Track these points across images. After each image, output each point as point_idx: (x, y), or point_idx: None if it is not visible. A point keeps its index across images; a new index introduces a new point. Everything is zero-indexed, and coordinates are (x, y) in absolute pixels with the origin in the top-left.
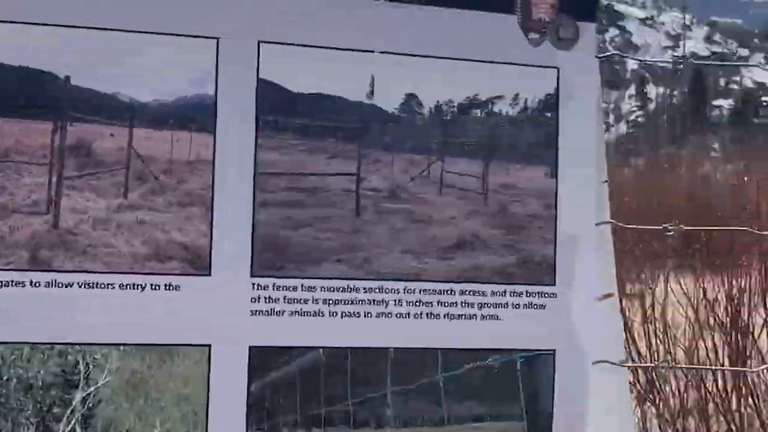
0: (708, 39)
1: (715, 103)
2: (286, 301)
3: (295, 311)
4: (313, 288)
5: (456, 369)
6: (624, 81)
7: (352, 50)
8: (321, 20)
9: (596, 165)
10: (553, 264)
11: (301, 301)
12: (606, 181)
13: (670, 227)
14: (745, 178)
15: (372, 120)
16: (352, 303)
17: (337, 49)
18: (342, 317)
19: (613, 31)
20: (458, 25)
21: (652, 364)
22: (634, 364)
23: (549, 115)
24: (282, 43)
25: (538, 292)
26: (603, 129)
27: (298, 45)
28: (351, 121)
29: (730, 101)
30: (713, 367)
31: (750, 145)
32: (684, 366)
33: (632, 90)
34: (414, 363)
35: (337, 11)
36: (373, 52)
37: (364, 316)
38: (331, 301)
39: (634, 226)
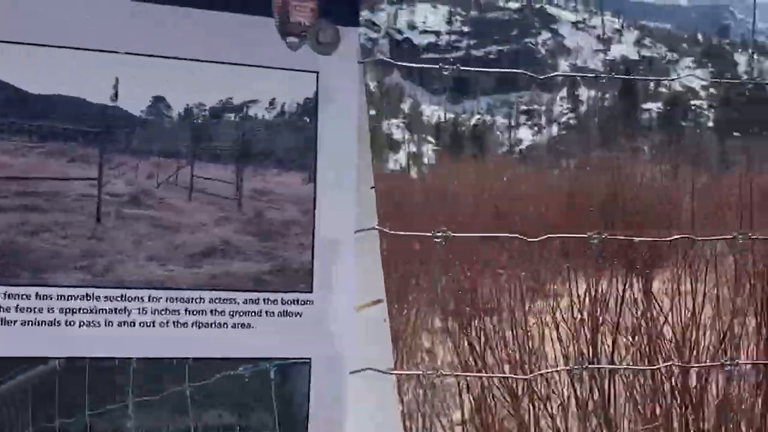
0: (638, 43)
1: (645, 106)
2: (18, 310)
3: (28, 321)
4: (49, 296)
5: (205, 379)
6: (556, 84)
7: (95, 50)
8: (60, 19)
9: (361, 170)
10: (310, 270)
11: (35, 311)
12: (373, 187)
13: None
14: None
15: (115, 123)
16: (92, 312)
17: (79, 49)
18: (80, 326)
19: (545, 34)
20: (211, 26)
21: (419, 372)
22: (400, 372)
23: (308, 119)
24: (17, 43)
25: (294, 300)
26: (368, 134)
27: (34, 44)
28: (93, 124)
29: (659, 104)
30: (477, 374)
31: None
32: (452, 374)
33: (564, 92)
34: (159, 373)
35: (79, 9)
36: (118, 53)
37: (105, 324)
38: (68, 310)
39: (402, 233)
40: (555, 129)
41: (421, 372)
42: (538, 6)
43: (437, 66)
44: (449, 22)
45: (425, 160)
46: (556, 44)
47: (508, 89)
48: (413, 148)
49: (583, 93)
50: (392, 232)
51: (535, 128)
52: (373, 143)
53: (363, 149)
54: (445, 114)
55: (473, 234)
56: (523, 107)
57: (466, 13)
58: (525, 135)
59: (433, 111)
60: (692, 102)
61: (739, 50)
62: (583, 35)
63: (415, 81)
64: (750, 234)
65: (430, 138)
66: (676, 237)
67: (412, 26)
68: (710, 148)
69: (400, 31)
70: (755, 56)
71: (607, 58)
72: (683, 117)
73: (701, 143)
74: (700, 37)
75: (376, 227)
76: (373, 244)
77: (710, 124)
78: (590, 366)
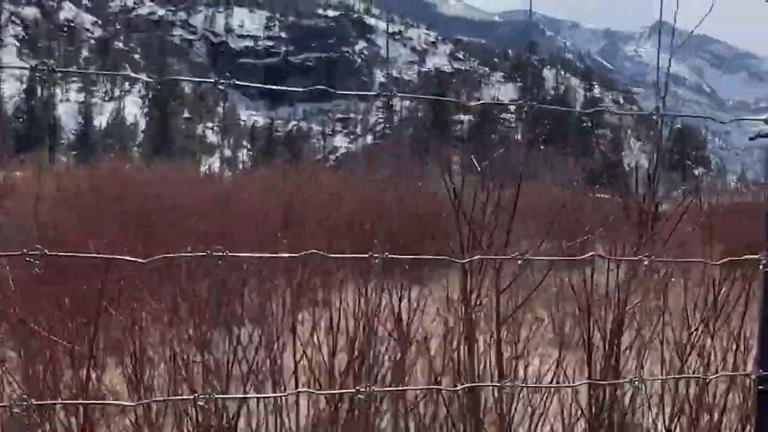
0: (452, 55)
1: (456, 117)
2: None
3: None
4: None
5: None
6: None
7: None
8: None
9: None
10: None
11: None
12: None
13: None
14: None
15: None
16: None
17: None
18: None
19: (362, 44)
20: None
21: None
22: None
23: None
24: None
25: None
26: None
27: None
28: None
29: (470, 116)
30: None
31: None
32: None
33: (379, 102)
34: None
35: None
36: None
37: None
38: None
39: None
40: (370, 138)
41: None
42: (355, 15)
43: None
44: (267, 28)
45: (240, 165)
46: (372, 54)
47: (324, 98)
48: (227, 153)
49: (398, 103)
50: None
51: (351, 137)
52: (187, 146)
53: None
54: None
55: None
56: (339, 115)
57: (284, 19)
58: (340, 143)
59: (249, 116)
60: (502, 115)
61: (548, 66)
62: (399, 46)
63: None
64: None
65: (245, 143)
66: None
67: (229, 30)
68: (517, 160)
69: (216, 34)
70: (563, 72)
71: (422, 69)
72: (493, 129)
73: (509, 155)
74: (510, 52)
75: None
76: None
77: (518, 137)
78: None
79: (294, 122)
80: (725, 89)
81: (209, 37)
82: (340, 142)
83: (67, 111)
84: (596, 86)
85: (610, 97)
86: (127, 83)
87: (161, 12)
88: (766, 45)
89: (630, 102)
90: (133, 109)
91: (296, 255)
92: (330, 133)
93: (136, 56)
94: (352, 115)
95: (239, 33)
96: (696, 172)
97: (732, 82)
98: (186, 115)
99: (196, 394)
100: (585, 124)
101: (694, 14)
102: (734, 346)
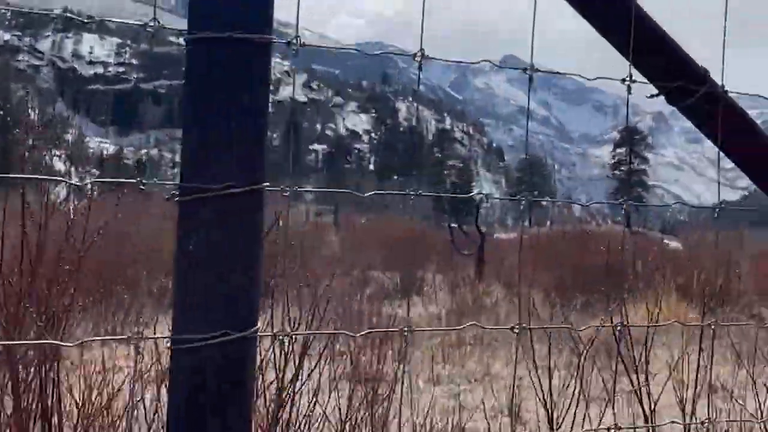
0: (306, 85)
1: (312, 147)
2: None
3: None
4: None
5: None
6: None
7: None
8: None
9: None
10: None
11: None
12: None
13: None
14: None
15: None
16: None
17: None
18: None
19: None
20: None
21: None
22: None
23: None
24: None
25: None
26: None
27: None
28: None
29: (325, 146)
30: None
31: (338, 188)
32: None
33: None
34: None
35: None
36: None
37: None
38: None
39: None
40: None
41: None
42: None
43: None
44: (118, 54)
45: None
46: None
47: (177, 124)
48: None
49: None
50: None
51: None
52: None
53: None
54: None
55: None
56: None
57: (135, 45)
58: None
59: (98, 143)
60: (356, 145)
61: (400, 98)
62: None
63: (81, 112)
64: None
65: (94, 170)
66: None
67: (78, 56)
68: (370, 190)
69: (64, 60)
70: (415, 104)
71: (276, 98)
72: (346, 159)
73: (362, 185)
74: (364, 83)
75: None
76: None
77: (371, 167)
78: None
79: (145, 150)
80: (571, 122)
81: (57, 63)
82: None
83: None
84: (447, 117)
85: (460, 128)
86: None
87: (6, 37)
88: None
89: (480, 133)
90: None
91: None
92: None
93: None
94: None
95: (88, 59)
96: (543, 202)
97: (578, 116)
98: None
99: None
100: (437, 155)
101: (543, 49)
102: None
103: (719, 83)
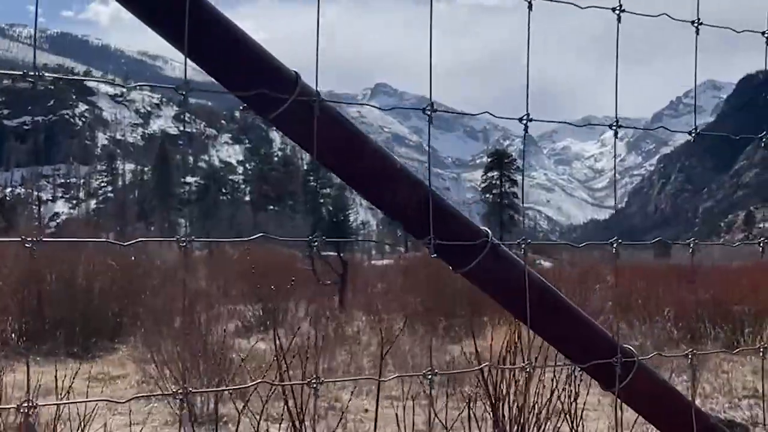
0: (177, 118)
1: (185, 180)
2: None
3: None
4: None
5: None
6: (95, 156)
7: None
8: None
9: None
10: None
11: None
12: None
13: None
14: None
15: None
16: None
17: None
18: None
19: (83, 106)
20: None
21: None
22: None
23: None
24: None
25: None
26: None
27: None
28: None
29: (198, 178)
30: None
31: (213, 219)
32: None
33: (102, 165)
34: None
35: None
36: None
37: None
38: None
39: None
40: (93, 203)
41: None
42: (74, 78)
43: None
44: None
45: None
46: (94, 116)
47: (43, 161)
48: None
49: (122, 166)
50: None
51: (73, 201)
52: None
53: None
54: None
55: None
56: (60, 180)
57: None
58: (61, 208)
59: None
60: (230, 177)
61: (274, 128)
62: (123, 108)
63: None
64: None
65: None
66: None
67: None
68: (246, 221)
69: None
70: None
71: (147, 131)
72: (221, 191)
73: (237, 216)
74: (237, 114)
75: None
76: None
77: (247, 198)
78: None
79: (10, 188)
80: (444, 148)
81: None
82: (61, 207)
83: None
84: None
85: None
86: None
87: None
88: (480, 106)
89: None
90: None
91: None
92: (51, 198)
93: None
94: (73, 180)
95: None
96: None
97: (449, 141)
98: None
99: None
100: (311, 184)
101: (413, 76)
102: None
103: (315, 89)
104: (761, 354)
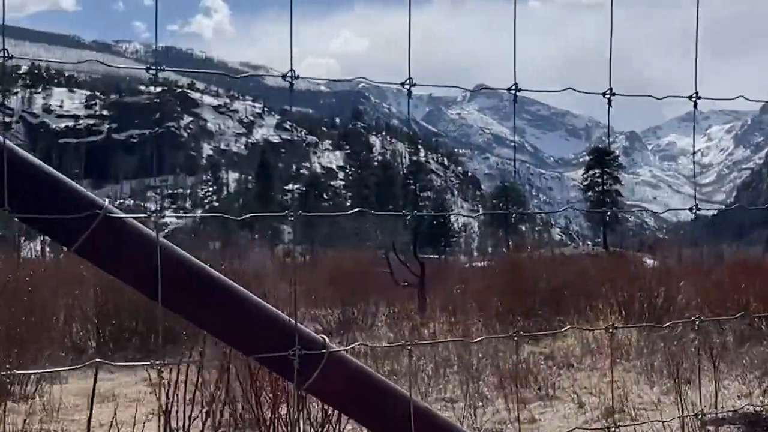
0: (279, 126)
1: (287, 187)
2: None
3: None
4: None
5: None
6: (200, 167)
7: None
8: None
9: None
10: None
11: None
12: None
13: None
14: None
15: None
16: None
17: None
18: None
19: (187, 118)
20: None
21: None
22: None
23: None
24: None
25: None
26: None
27: None
28: None
29: (299, 185)
30: None
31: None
32: None
33: (207, 176)
34: None
35: None
36: None
37: None
38: None
39: None
40: (200, 212)
41: None
42: (179, 90)
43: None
44: (88, 106)
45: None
46: (198, 128)
47: (151, 173)
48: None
49: (225, 175)
50: None
51: (180, 212)
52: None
53: None
54: None
55: None
56: (168, 191)
57: (105, 97)
58: (169, 218)
59: None
60: (330, 182)
61: (374, 133)
62: (226, 119)
63: (54, 166)
64: None
65: None
66: None
67: (48, 110)
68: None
69: (35, 115)
70: (388, 138)
71: (250, 140)
72: (322, 196)
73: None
74: (337, 120)
75: None
76: None
77: (348, 203)
78: None
79: (120, 200)
80: (546, 147)
81: (27, 119)
82: (169, 217)
83: None
84: (421, 150)
85: (435, 159)
86: None
87: None
88: (581, 104)
89: (455, 163)
90: None
91: None
92: (159, 209)
93: None
94: (180, 190)
95: (59, 113)
96: (522, 227)
97: (551, 140)
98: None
99: None
100: (411, 187)
101: (511, 76)
102: None
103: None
104: None
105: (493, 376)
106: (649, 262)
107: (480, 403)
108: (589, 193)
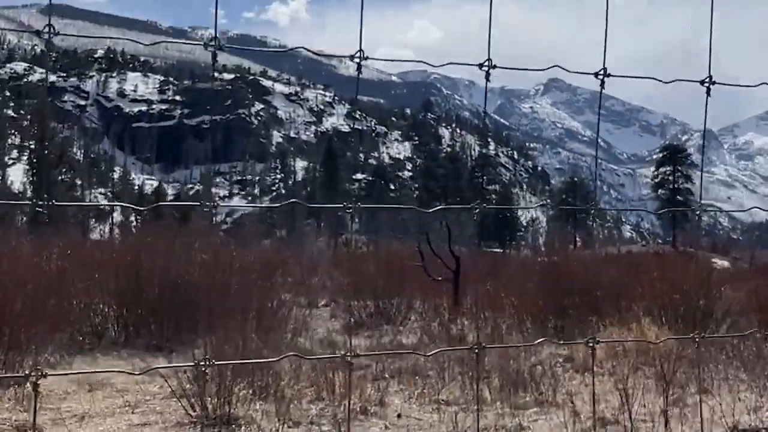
0: (349, 115)
1: (355, 177)
2: None
3: None
4: None
5: None
6: (269, 154)
7: None
8: None
9: None
10: None
11: None
12: None
13: None
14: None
15: None
16: None
17: None
18: None
19: (258, 105)
20: None
21: None
22: None
23: None
24: None
25: None
26: None
27: None
28: None
29: (367, 175)
30: None
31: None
32: None
33: (276, 163)
34: None
35: None
36: None
37: None
38: None
39: None
40: (267, 199)
41: None
42: (251, 77)
43: None
44: (162, 91)
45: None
46: (269, 115)
47: (220, 159)
48: (119, 217)
49: (294, 163)
50: None
51: (248, 198)
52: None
53: None
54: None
55: None
56: (237, 177)
57: (179, 82)
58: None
59: (144, 180)
60: (398, 173)
61: (443, 124)
62: (296, 107)
63: (126, 150)
64: None
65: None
66: None
67: (122, 94)
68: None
69: (109, 99)
70: (458, 130)
71: (319, 129)
72: (389, 187)
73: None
74: (408, 111)
75: None
76: None
77: (415, 194)
78: None
79: (190, 185)
80: (620, 143)
81: (102, 102)
82: (238, 203)
83: None
84: (491, 142)
85: (505, 152)
86: (15, 151)
87: (52, 78)
88: (658, 100)
89: (525, 157)
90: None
91: None
92: (227, 195)
93: (25, 123)
94: (249, 177)
95: (132, 97)
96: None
97: (625, 136)
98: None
99: None
100: (477, 180)
101: (588, 71)
102: None
103: None
104: None
105: (498, 379)
106: (719, 262)
107: (475, 407)
108: (660, 191)
